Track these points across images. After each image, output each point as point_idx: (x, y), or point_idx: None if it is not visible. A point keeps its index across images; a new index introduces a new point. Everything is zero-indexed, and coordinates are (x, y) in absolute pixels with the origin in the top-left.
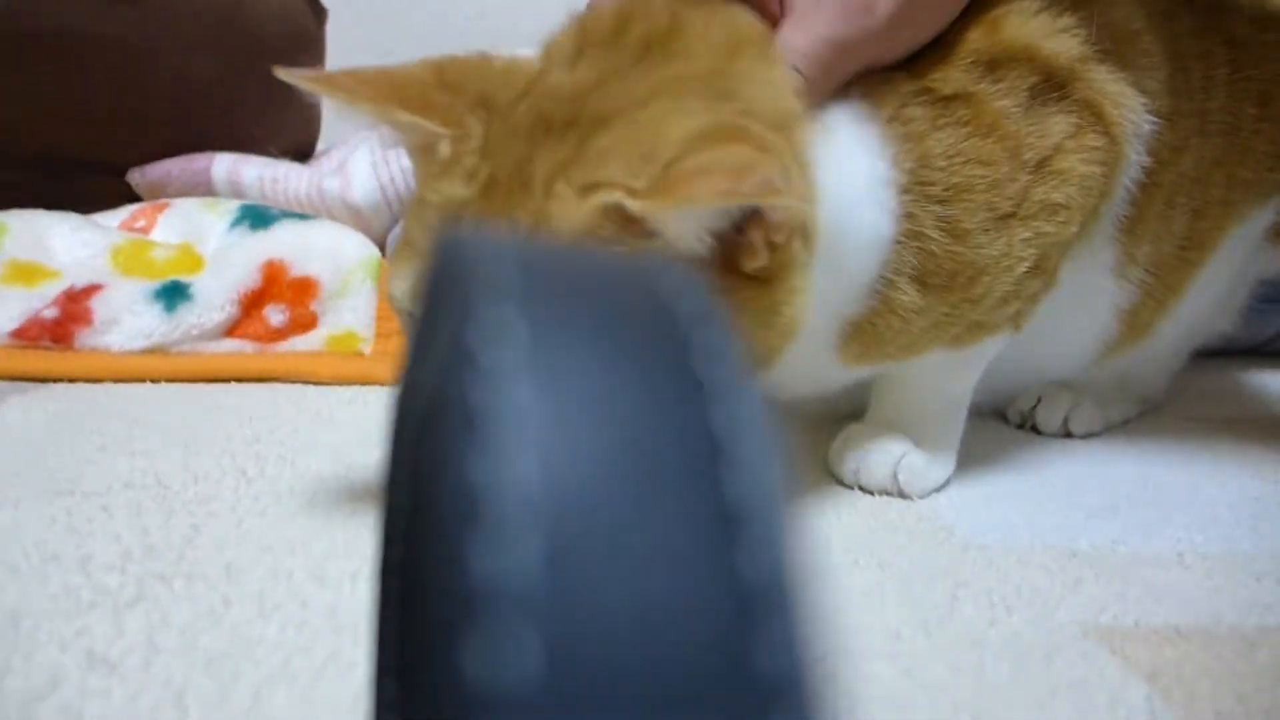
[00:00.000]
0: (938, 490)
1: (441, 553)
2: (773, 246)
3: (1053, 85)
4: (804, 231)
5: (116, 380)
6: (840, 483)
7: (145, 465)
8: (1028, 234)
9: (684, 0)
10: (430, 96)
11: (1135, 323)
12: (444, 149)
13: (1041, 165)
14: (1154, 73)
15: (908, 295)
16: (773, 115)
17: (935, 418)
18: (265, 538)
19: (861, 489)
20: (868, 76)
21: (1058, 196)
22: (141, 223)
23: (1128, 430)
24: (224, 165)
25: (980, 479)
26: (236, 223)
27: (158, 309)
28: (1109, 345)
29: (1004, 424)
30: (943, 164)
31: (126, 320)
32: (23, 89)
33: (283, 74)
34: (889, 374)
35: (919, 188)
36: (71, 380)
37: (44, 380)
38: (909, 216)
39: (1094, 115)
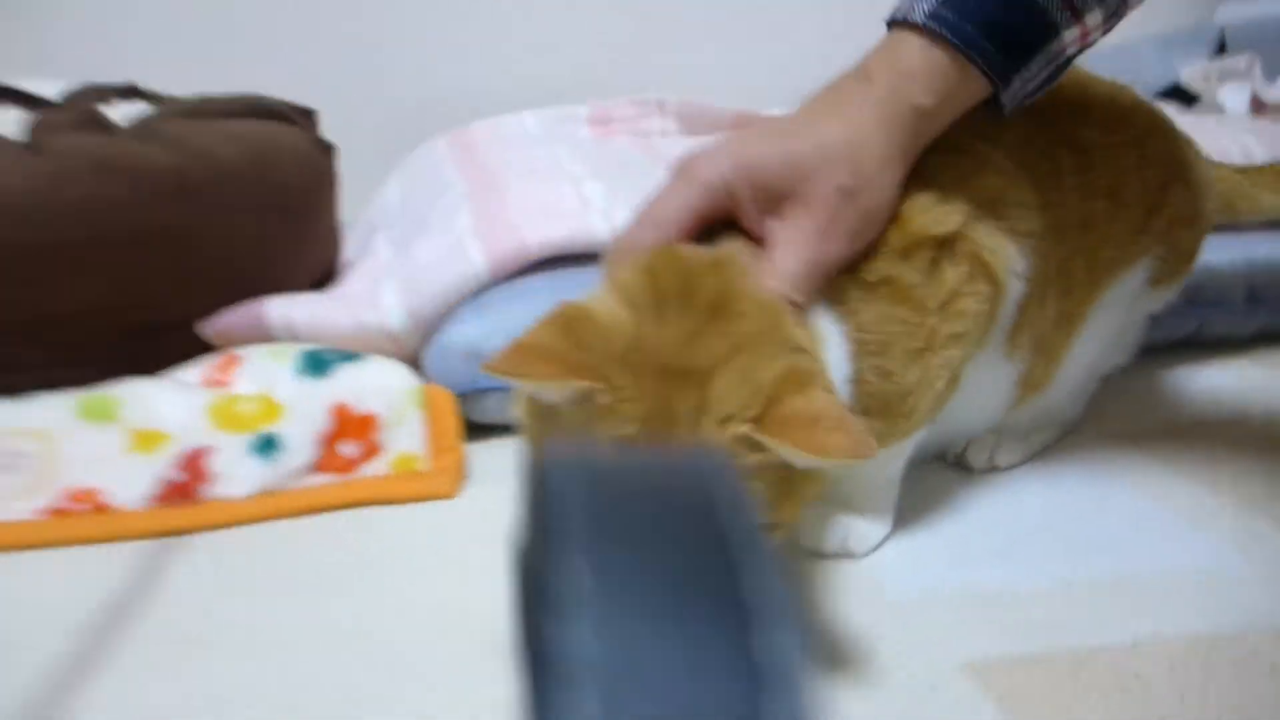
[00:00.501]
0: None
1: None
2: None
3: (945, 249)
4: None
5: (238, 524)
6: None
7: (322, 609)
8: (940, 361)
9: (719, 266)
10: (579, 359)
11: (1030, 383)
12: (602, 399)
13: (944, 307)
14: (1023, 212)
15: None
16: (804, 345)
17: (875, 492)
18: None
19: (815, 554)
20: None
21: (959, 327)
22: (221, 375)
23: (1046, 456)
24: (277, 310)
25: (912, 529)
26: (300, 371)
27: (257, 459)
28: (1012, 402)
29: (939, 462)
30: (873, 327)
31: (235, 472)
32: (111, 275)
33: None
34: None
35: (859, 345)
36: (205, 529)
37: (185, 533)
38: (855, 370)
39: (979, 265)
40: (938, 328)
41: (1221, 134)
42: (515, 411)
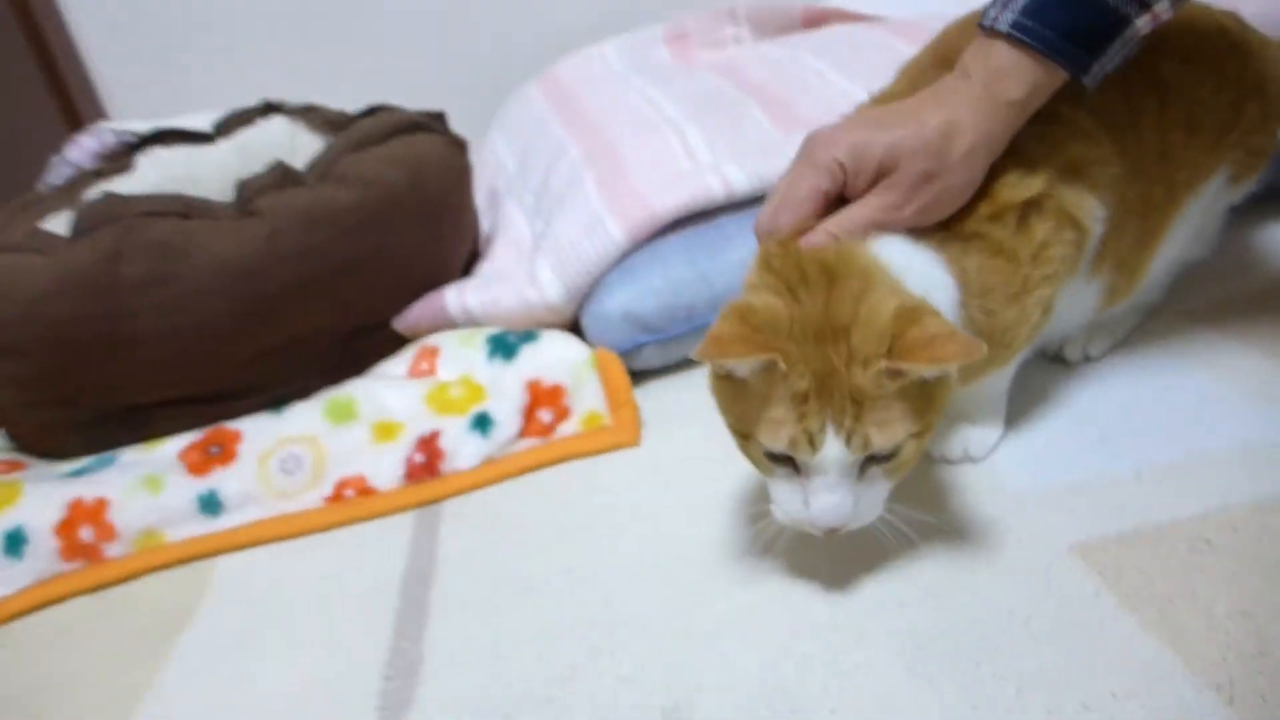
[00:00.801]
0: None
1: None
2: None
3: (1032, 207)
4: None
5: (472, 490)
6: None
7: (562, 554)
8: (1034, 300)
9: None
10: (759, 339)
11: (1114, 292)
12: (782, 366)
13: (1035, 256)
14: (1103, 167)
15: None
16: (896, 283)
17: (987, 405)
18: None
19: (944, 461)
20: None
21: (1049, 270)
22: (425, 365)
23: (1131, 341)
24: (454, 299)
25: (1022, 429)
26: (491, 355)
27: (476, 435)
28: (1098, 309)
29: (1041, 357)
30: (975, 274)
31: (461, 448)
32: (324, 301)
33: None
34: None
35: (965, 287)
36: (447, 498)
37: (433, 503)
38: (963, 305)
39: (1066, 217)
40: (1030, 274)
41: None
42: (710, 388)
